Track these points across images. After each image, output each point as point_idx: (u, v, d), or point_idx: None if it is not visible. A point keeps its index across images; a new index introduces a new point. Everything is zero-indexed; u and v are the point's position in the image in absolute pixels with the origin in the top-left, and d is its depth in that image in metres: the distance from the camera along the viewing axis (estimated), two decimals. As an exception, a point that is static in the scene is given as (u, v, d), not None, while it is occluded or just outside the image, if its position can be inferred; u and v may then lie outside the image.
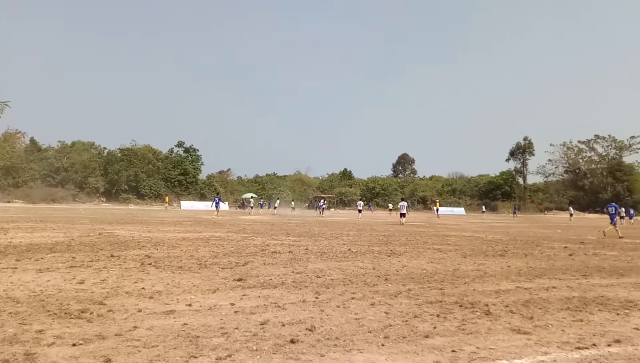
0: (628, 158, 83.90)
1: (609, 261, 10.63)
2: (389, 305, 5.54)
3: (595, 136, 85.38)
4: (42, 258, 8.74)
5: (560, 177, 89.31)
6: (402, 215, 28.33)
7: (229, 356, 3.62)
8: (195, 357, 3.57)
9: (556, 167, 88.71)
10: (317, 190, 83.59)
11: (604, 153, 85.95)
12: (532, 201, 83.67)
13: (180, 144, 76.00)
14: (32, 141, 70.61)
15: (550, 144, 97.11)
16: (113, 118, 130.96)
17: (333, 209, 69.93)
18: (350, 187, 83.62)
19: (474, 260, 10.17)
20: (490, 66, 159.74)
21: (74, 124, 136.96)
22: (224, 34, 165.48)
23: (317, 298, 5.84)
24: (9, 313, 4.72)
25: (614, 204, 22.42)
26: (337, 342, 4.05)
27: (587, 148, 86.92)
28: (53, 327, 4.30)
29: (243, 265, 8.53)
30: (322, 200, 43.74)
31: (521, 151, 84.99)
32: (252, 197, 58.23)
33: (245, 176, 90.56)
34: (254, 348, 3.82)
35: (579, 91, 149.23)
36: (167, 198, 57.27)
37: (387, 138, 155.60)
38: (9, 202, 53.39)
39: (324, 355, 3.71)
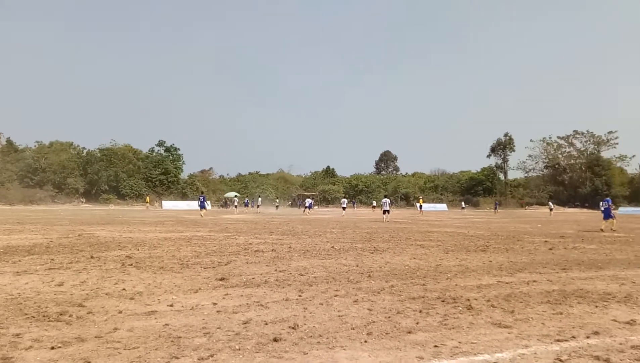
0: (606, 153, 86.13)
1: (588, 255, 10.84)
2: (372, 301, 5.55)
3: (574, 131, 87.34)
4: (19, 261, 8.55)
5: (540, 172, 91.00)
6: (385, 212, 28.48)
7: (211, 356, 3.58)
8: (177, 358, 3.53)
9: (536, 162, 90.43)
10: (300, 188, 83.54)
11: (582, 148, 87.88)
12: (513, 196, 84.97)
13: (161, 144, 75.34)
14: (9, 141, 69.32)
15: (530, 140, 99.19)
16: (92, 118, 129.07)
17: (316, 207, 69.92)
18: (334, 185, 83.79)
19: (456, 256, 10.26)
20: (470, 62, 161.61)
21: (52, 124, 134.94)
22: (203, 32, 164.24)
23: (300, 296, 5.82)
24: (-16, 317, 4.61)
25: (607, 199, 21.84)
26: (320, 340, 4.04)
27: (566, 144, 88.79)
28: (31, 330, 4.21)
29: (225, 264, 8.46)
30: (309, 200, 43.59)
31: (502, 147, 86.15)
32: (236, 196, 57.94)
33: (228, 174, 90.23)
34: (237, 347, 3.79)
35: (557, 87, 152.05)
36: (148, 197, 56.59)
37: (369, 136, 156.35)
38: (-15, 204, 52.23)
39: (306, 353, 3.70)
